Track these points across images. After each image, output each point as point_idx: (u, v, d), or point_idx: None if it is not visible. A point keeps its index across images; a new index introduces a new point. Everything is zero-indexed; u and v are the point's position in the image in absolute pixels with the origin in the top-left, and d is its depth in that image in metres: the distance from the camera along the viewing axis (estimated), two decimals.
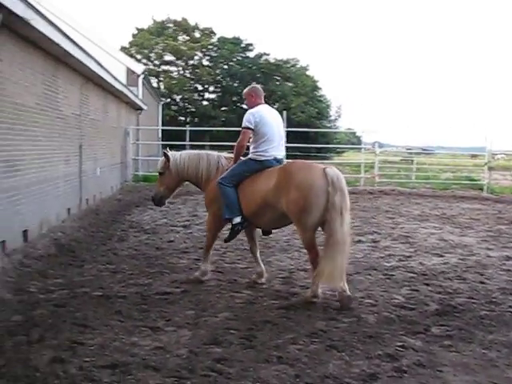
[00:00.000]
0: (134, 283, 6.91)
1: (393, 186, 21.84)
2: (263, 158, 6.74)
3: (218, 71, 49.98)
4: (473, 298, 6.53)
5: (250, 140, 6.92)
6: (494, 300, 6.49)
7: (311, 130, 35.32)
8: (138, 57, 46.51)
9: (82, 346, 4.75)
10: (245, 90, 7.23)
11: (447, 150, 49.71)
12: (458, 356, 4.74)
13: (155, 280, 7.09)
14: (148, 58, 48.96)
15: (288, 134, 22.25)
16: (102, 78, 13.64)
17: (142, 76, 26.35)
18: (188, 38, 50.66)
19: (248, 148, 7.03)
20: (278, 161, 6.81)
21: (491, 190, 21.35)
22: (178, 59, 49.72)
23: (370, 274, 7.62)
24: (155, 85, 42.12)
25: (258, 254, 7.20)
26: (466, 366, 4.54)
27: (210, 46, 50.44)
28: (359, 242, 10.05)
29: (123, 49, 43.24)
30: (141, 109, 23.63)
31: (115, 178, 18.34)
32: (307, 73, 52.03)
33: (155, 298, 6.29)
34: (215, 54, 50.43)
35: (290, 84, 50.03)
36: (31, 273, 7.18)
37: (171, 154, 7.36)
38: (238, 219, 6.67)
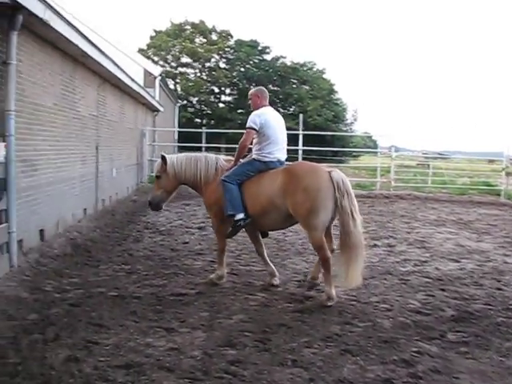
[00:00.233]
0: (149, 284, 6.92)
1: (409, 191, 21.68)
2: (268, 159, 6.80)
3: (234, 74, 50.11)
4: (489, 305, 6.46)
5: (253, 141, 6.97)
6: (511, 307, 6.42)
7: (327, 134, 35.19)
8: (156, 59, 46.81)
9: (97, 346, 4.78)
10: (250, 91, 7.31)
11: (464, 154, 49.35)
12: (475, 363, 4.69)
13: (170, 281, 7.10)
14: (165, 60, 49.21)
15: (304, 137, 22.27)
16: (119, 78, 13.70)
17: (159, 78, 26.50)
18: (205, 40, 50.85)
19: (250, 150, 7.09)
20: (281, 163, 6.89)
21: (509, 195, 21.10)
22: (194, 61, 49.93)
23: (385, 279, 7.58)
24: (172, 87, 42.28)
25: (266, 254, 7.22)
26: (483, 373, 4.49)
27: (227, 49, 50.60)
28: (375, 246, 10.00)
29: (141, 51, 43.55)
30: (157, 110, 23.73)
31: (131, 179, 18.41)
32: (324, 76, 52.02)
33: (170, 299, 6.29)
34: (232, 57, 50.57)
35: (307, 87, 50.02)
36: (47, 272, 7.23)
37: (168, 157, 7.29)
38: (240, 215, 6.66)
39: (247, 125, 6.86)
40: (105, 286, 6.75)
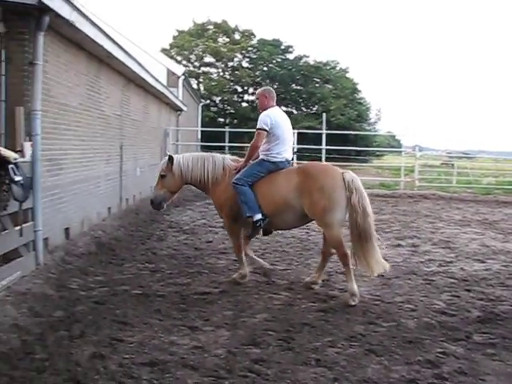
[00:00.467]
0: (172, 282, 6.96)
1: (433, 190, 21.49)
2: (277, 160, 6.85)
3: (257, 73, 50.13)
4: None
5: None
6: None
7: (351, 133, 34.99)
8: (179, 58, 46.99)
9: (121, 343, 4.82)
10: (258, 91, 7.35)
11: (489, 154, 48.79)
12: (502, 365, 4.62)
13: (194, 280, 7.13)
14: (188, 60, 49.41)
15: (327, 136, 22.20)
16: (143, 79, 13.79)
17: (183, 77, 26.62)
18: (228, 39, 50.95)
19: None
20: (288, 162, 7.01)
21: None
22: (217, 61, 50.06)
23: (409, 279, 7.51)
24: (195, 86, 42.45)
25: (251, 252, 7.44)
26: (510, 375, 4.42)
27: (250, 48, 50.62)
28: (399, 246, 9.94)
29: (164, 50, 43.79)
30: (181, 110, 23.83)
31: (155, 179, 18.47)
32: (347, 75, 51.77)
33: (194, 297, 6.32)
34: (255, 56, 50.57)
35: (330, 86, 49.80)
36: (72, 270, 7.30)
37: (175, 156, 7.29)
38: (258, 216, 6.69)
39: (258, 125, 6.87)
40: (129, 284, 6.81)
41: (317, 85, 50.03)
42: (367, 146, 40.40)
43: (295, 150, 21.14)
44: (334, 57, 59.14)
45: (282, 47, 51.07)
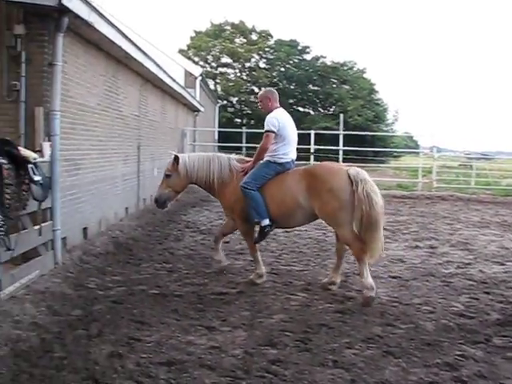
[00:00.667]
0: (190, 282, 6.98)
1: (451, 192, 21.31)
2: (284, 160, 6.90)
3: (274, 74, 50.04)
4: None
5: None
6: None
7: (368, 134, 34.84)
8: (196, 59, 47.06)
9: (139, 343, 4.84)
10: (260, 93, 7.39)
11: (508, 155, 48.26)
12: None
13: (211, 280, 7.14)
14: (205, 61, 49.48)
15: (345, 137, 22.13)
16: (160, 79, 13.85)
17: (200, 78, 26.69)
18: (245, 40, 50.94)
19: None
20: (293, 163, 7.07)
21: None
22: (234, 61, 50.08)
23: (427, 281, 7.46)
24: (212, 87, 42.54)
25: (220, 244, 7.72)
26: None
27: (267, 49, 50.57)
28: (416, 247, 9.87)
29: (181, 51, 43.89)
30: (198, 110, 23.90)
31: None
32: (364, 76, 51.46)
33: (211, 297, 6.33)
34: (272, 57, 50.51)
35: (347, 87, 49.59)
36: (90, 269, 7.36)
37: (181, 156, 7.30)
38: (266, 221, 6.75)
39: (266, 128, 6.89)
40: (146, 283, 6.83)
41: (334, 85, 49.83)
42: (384, 147, 40.12)
43: (312, 150, 21.17)
44: (351, 57, 58.92)
45: (299, 48, 50.95)
